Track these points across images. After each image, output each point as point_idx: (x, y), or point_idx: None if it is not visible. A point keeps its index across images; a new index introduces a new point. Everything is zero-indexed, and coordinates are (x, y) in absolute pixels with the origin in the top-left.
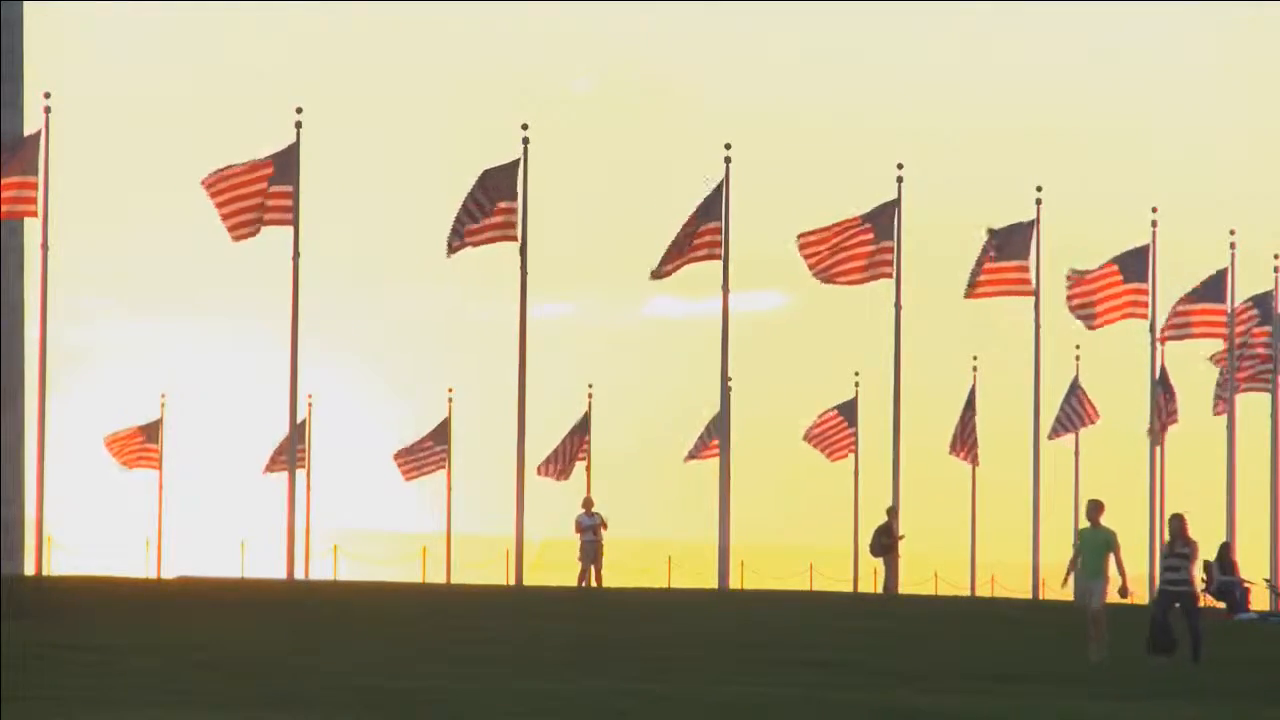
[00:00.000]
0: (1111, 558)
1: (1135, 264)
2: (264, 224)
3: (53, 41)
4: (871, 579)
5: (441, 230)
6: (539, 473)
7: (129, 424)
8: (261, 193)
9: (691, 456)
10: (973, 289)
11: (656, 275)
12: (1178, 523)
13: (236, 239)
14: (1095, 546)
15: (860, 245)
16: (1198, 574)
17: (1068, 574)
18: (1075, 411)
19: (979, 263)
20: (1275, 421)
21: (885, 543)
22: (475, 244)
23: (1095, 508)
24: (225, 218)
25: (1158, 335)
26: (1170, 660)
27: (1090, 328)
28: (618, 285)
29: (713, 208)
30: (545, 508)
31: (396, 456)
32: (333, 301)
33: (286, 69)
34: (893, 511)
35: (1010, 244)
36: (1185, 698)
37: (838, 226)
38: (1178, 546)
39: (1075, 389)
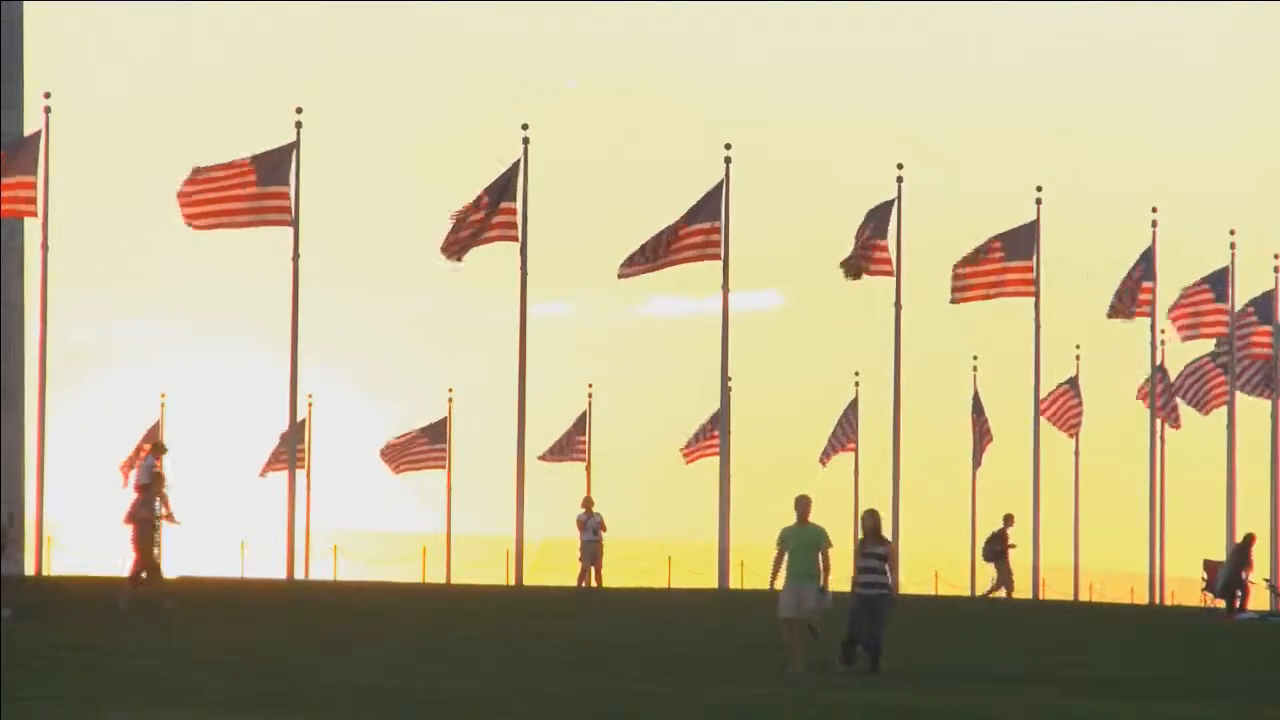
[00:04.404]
0: (821, 558)
1: (1143, 262)
2: (259, 224)
3: (53, 41)
4: None
5: (441, 231)
6: (542, 459)
7: (135, 439)
8: (248, 194)
9: (690, 449)
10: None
11: (622, 275)
12: (871, 520)
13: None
14: (805, 546)
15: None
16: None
17: (773, 577)
18: (1067, 409)
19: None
20: (1275, 421)
21: (997, 549)
22: (476, 244)
23: (803, 503)
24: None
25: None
26: (851, 669)
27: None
28: (618, 285)
29: (707, 208)
30: (545, 507)
31: (383, 453)
32: (333, 301)
33: (286, 69)
34: (1009, 519)
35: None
36: (1185, 698)
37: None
38: (870, 545)
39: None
